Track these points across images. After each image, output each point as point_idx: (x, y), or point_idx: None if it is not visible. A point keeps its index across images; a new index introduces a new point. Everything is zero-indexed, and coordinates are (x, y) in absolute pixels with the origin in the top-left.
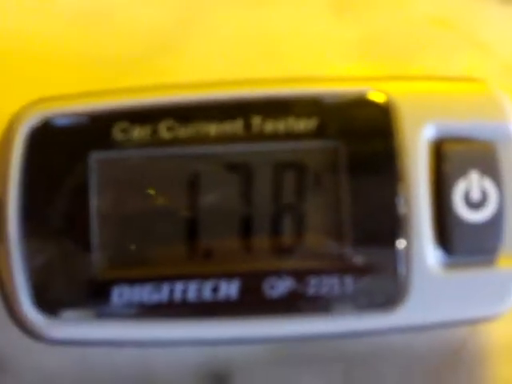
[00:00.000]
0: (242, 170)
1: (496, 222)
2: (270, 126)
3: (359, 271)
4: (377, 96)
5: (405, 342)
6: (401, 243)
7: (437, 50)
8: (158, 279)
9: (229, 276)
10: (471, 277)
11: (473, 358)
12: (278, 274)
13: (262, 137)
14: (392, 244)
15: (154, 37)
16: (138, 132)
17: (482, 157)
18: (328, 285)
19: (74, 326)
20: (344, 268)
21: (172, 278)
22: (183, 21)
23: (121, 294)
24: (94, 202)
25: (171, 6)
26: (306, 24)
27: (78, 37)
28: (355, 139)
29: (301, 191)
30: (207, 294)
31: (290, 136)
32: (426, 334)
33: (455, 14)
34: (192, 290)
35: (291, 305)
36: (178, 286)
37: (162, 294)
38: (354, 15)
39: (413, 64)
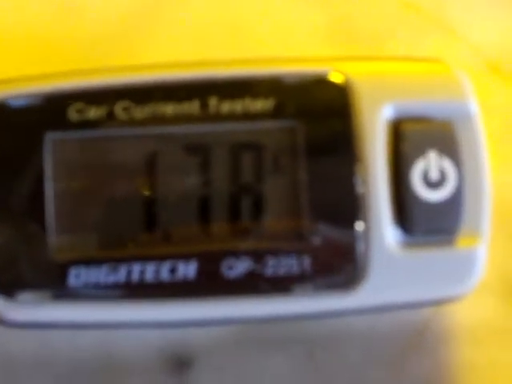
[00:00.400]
0: (199, 151)
1: (455, 201)
2: (226, 107)
3: (318, 251)
4: (335, 76)
5: (368, 323)
6: (359, 223)
7: (406, 33)
8: (115, 260)
9: (187, 257)
10: (431, 257)
11: (436, 339)
12: (236, 254)
13: (220, 117)
14: (350, 224)
15: (122, 20)
16: (94, 112)
17: (441, 136)
18: (286, 265)
19: (32, 308)
20: (302, 248)
21: (129, 259)
22: (150, 4)
23: (77, 276)
24: (50, 183)
25: None
26: (275, 7)
27: (47, 19)
28: (313, 119)
29: (259, 172)
30: (165, 274)
31: (248, 116)
32: (390, 315)
33: None
34: (150, 271)
35: (250, 285)
36: (136, 267)
37: (119, 275)
38: None
39: (382, 47)
